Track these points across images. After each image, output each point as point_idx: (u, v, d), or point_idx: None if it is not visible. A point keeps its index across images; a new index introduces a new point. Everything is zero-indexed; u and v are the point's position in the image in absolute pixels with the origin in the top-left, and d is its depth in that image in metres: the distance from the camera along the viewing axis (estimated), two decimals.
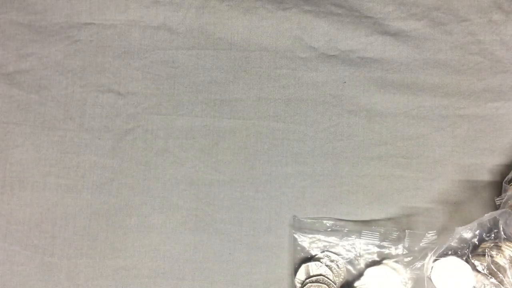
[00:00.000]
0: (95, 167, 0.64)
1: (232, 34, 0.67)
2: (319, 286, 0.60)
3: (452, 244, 0.60)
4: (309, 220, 0.63)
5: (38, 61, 0.66)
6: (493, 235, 0.59)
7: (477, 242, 0.60)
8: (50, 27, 0.67)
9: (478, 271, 0.58)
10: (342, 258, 0.62)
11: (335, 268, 0.61)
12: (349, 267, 0.62)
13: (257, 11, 0.67)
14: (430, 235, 0.60)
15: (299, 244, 0.62)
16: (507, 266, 0.57)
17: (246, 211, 0.64)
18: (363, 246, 0.62)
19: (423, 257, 0.60)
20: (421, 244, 0.60)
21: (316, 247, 0.62)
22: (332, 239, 0.62)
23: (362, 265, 0.62)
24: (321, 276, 0.61)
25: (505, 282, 0.57)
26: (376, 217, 0.63)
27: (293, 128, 0.65)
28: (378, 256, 0.62)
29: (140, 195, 0.64)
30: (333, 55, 0.66)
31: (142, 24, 0.67)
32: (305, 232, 0.62)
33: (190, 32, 0.67)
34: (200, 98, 0.66)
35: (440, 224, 0.63)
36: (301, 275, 0.61)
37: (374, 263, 0.62)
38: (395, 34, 0.67)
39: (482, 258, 0.58)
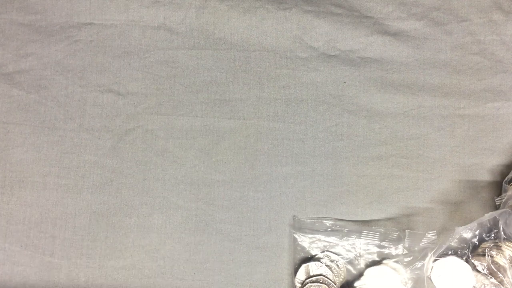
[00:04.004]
0: (95, 167, 0.64)
1: (232, 34, 0.67)
2: (319, 286, 0.60)
3: (452, 244, 0.60)
4: (309, 220, 0.63)
5: (38, 61, 0.66)
6: (493, 235, 0.60)
7: (477, 242, 0.60)
8: (50, 27, 0.67)
9: (478, 271, 0.58)
10: (342, 258, 0.62)
11: (335, 268, 0.61)
12: (349, 267, 0.62)
13: (257, 11, 0.67)
14: (430, 235, 0.59)
15: (299, 244, 0.62)
16: (507, 266, 0.57)
17: (246, 211, 0.64)
18: (363, 246, 0.62)
19: (423, 257, 0.60)
20: (421, 244, 0.60)
21: (316, 247, 0.62)
22: (332, 239, 0.62)
23: (362, 265, 0.62)
24: (321, 276, 0.60)
25: (505, 282, 0.57)
26: (376, 217, 0.63)
27: (293, 128, 0.65)
28: (378, 256, 0.62)
29: (140, 195, 0.64)
30: (333, 55, 0.66)
31: (142, 24, 0.67)
32: (305, 232, 0.62)
33: (190, 32, 0.67)
34: (200, 98, 0.66)
35: (440, 224, 0.63)
36: (301, 275, 0.61)
37: (374, 263, 0.62)
38: (395, 34, 0.67)
39: (482, 258, 0.58)
